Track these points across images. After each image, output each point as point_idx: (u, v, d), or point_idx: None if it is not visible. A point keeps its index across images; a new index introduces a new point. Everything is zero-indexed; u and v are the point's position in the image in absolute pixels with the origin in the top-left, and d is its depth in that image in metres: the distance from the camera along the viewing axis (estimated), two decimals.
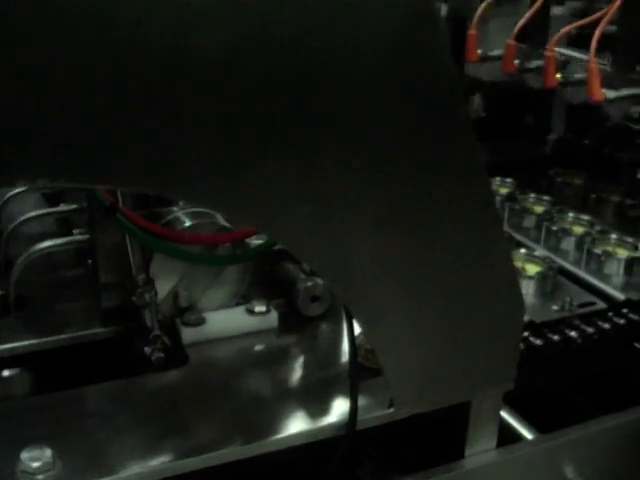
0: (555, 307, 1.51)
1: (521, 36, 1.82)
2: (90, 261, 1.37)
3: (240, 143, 0.87)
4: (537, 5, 1.75)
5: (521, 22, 1.76)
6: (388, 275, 1.02)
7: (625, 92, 1.62)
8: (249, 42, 0.83)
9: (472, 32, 1.83)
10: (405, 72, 0.93)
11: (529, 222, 1.83)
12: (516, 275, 1.14)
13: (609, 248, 1.71)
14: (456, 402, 1.16)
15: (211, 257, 1.28)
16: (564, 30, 1.65)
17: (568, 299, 1.51)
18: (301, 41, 0.86)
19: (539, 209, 1.88)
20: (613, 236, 1.74)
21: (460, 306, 1.09)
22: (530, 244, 1.76)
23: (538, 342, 1.43)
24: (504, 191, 1.97)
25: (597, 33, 1.57)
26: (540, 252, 1.68)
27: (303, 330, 1.35)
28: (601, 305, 1.55)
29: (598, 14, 1.62)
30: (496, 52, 1.86)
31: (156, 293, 1.25)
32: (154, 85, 0.80)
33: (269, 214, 0.93)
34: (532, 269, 1.60)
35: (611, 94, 1.59)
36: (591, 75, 1.56)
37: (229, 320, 1.31)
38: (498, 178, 2.00)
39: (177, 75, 0.81)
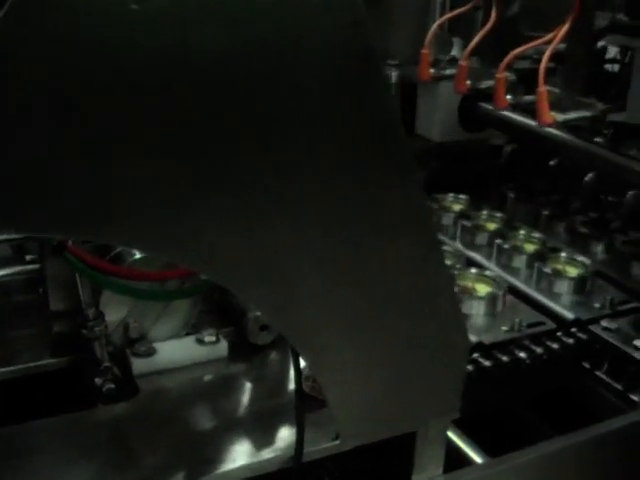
0: (505, 327, 1.53)
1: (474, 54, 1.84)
2: (41, 290, 1.37)
3: (185, 187, 0.88)
4: (489, 25, 1.77)
5: (473, 42, 1.77)
6: (332, 312, 1.03)
7: (573, 115, 1.64)
8: (188, 91, 0.84)
9: (425, 51, 1.85)
10: (344, 112, 0.94)
11: (481, 239, 1.84)
12: (460, 308, 1.16)
13: (559, 266, 1.73)
14: (402, 432, 1.18)
15: (160, 293, 1.29)
16: (514, 53, 1.66)
17: (518, 320, 1.53)
18: (238, 93, 0.87)
19: (491, 226, 1.90)
20: (563, 254, 1.76)
21: (404, 339, 1.10)
22: (482, 262, 1.78)
23: (487, 363, 1.45)
24: (457, 208, 1.99)
25: (545, 58, 1.59)
26: (491, 271, 1.70)
27: (252, 359, 1.37)
28: (550, 325, 1.57)
29: (548, 36, 1.64)
30: (449, 72, 1.87)
31: (106, 326, 1.26)
32: (90, 128, 0.81)
33: (212, 257, 0.94)
34: (482, 289, 1.62)
35: (560, 117, 1.61)
36: (540, 99, 1.58)
37: (179, 350, 1.32)
38: (451, 194, 2.02)
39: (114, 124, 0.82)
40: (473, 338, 1.50)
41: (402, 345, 1.11)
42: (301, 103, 0.91)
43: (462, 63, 1.77)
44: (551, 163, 2.04)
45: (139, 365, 1.28)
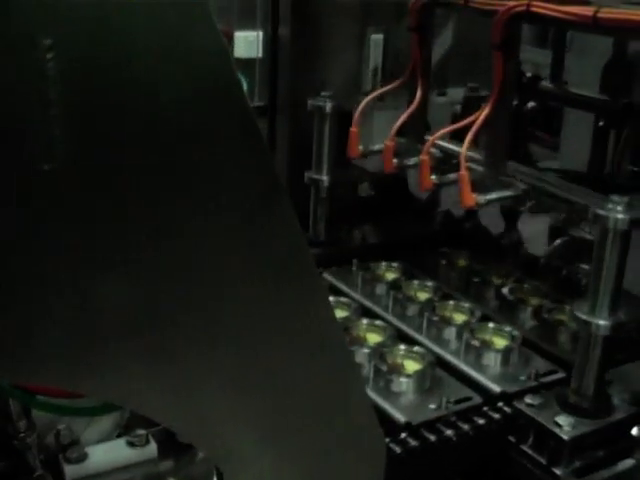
0: (432, 405, 1.58)
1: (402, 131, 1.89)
2: None
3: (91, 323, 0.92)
4: (414, 105, 1.82)
5: (399, 121, 1.82)
6: (246, 429, 1.07)
7: (495, 195, 1.70)
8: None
9: (354, 129, 1.90)
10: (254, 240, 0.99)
11: (412, 310, 1.89)
12: (376, 418, 1.20)
13: (487, 337, 1.78)
14: None
15: (85, 408, 1.32)
16: (438, 134, 1.72)
17: (445, 396, 1.58)
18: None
19: (422, 296, 1.94)
20: (491, 325, 1.81)
21: (318, 445, 1.14)
22: (413, 334, 1.82)
23: (415, 444, 1.50)
24: (390, 277, 2.03)
25: (467, 140, 1.64)
26: (421, 345, 1.75)
27: (181, 458, 1.40)
28: (477, 400, 1.62)
29: (472, 117, 1.69)
30: (377, 147, 1.92)
31: (38, 435, 1.29)
32: None
33: (125, 387, 0.98)
34: (411, 366, 1.67)
35: (481, 199, 1.66)
36: (462, 182, 1.63)
37: (111, 454, 1.35)
38: (384, 263, 2.06)
39: None
40: (401, 418, 1.55)
41: (317, 450, 1.15)
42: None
43: (388, 143, 1.82)
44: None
45: (71, 471, 1.32)
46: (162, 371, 0.98)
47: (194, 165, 0.93)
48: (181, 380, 1.00)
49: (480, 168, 1.75)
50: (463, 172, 1.64)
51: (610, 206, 1.47)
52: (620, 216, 1.46)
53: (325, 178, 2.09)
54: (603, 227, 1.47)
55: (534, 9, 1.52)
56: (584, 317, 1.52)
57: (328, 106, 2.03)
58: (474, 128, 1.64)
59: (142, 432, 1.38)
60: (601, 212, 1.47)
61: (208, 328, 0.99)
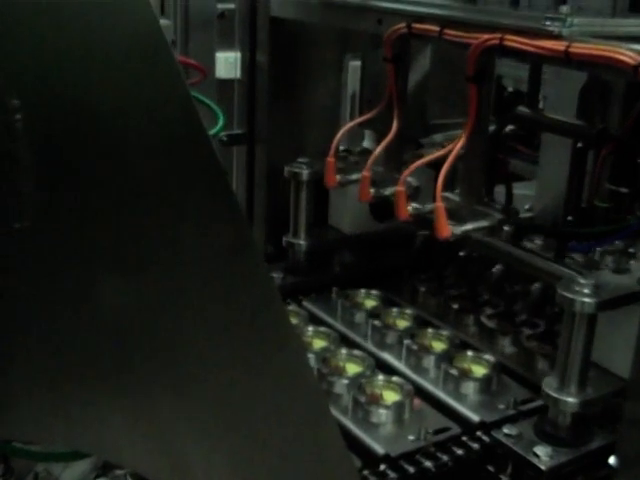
0: (411, 437, 1.58)
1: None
2: None
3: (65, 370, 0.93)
4: (390, 136, 1.83)
5: (375, 153, 1.83)
6: (220, 473, 1.08)
7: (470, 226, 1.70)
8: None
9: (330, 159, 1.90)
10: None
11: (392, 339, 1.89)
12: (350, 457, 1.20)
13: (465, 366, 1.79)
14: None
15: (56, 454, 1.31)
16: (414, 165, 1.72)
17: (424, 427, 1.59)
18: None
19: (402, 324, 1.95)
20: (470, 353, 1.82)
21: None
22: (393, 363, 1.83)
23: (393, 476, 1.51)
24: (369, 305, 2.04)
25: (442, 172, 1.64)
26: (400, 374, 1.76)
27: None
28: (456, 430, 1.62)
29: (446, 149, 1.70)
30: (355, 176, 1.93)
31: (17, 478, 1.29)
32: None
33: (102, 440, 0.98)
34: (389, 396, 1.68)
35: (457, 230, 1.67)
36: (438, 213, 1.63)
37: None
38: (363, 290, 2.07)
39: None
40: (380, 450, 1.55)
41: None
42: None
43: (365, 174, 1.83)
44: (461, 253, 2.13)
45: None
46: (134, 419, 0.99)
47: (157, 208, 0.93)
48: (154, 427, 1.01)
49: (456, 198, 1.75)
50: (439, 204, 1.64)
51: (577, 289, 1.48)
52: (587, 300, 1.47)
53: (303, 243, 2.15)
54: (570, 309, 1.48)
55: (507, 43, 1.52)
56: (553, 394, 1.54)
57: (305, 173, 2.07)
58: (449, 159, 1.64)
59: (120, 472, 1.38)
60: (568, 295, 1.48)
61: (180, 374, 1.00)
